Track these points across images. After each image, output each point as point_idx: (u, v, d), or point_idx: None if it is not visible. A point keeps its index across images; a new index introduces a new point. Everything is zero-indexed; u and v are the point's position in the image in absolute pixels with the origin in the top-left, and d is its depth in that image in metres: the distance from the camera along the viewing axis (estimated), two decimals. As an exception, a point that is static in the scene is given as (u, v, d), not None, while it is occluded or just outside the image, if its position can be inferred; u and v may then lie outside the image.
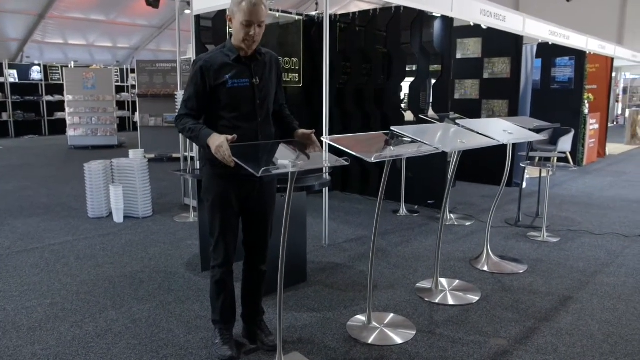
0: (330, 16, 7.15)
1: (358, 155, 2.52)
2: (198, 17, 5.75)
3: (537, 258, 4.34)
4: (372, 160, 2.52)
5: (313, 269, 4.02)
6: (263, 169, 2.06)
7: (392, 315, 3.18)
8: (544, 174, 5.21)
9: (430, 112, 6.62)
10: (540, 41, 7.74)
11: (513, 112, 7.32)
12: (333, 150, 2.64)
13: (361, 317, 3.12)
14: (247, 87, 2.51)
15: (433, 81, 6.37)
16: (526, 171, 7.43)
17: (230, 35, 2.55)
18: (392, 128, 3.25)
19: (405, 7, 5.89)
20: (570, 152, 8.71)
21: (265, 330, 2.85)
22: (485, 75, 7.67)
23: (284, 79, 6.72)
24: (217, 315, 2.74)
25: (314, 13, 7.23)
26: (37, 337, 2.90)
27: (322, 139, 2.84)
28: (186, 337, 2.91)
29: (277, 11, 6.48)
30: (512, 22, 6.74)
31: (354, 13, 6.81)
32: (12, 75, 15.48)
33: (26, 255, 4.35)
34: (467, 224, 5.43)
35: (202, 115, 2.53)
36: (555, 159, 7.97)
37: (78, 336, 2.92)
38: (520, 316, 3.21)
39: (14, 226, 5.26)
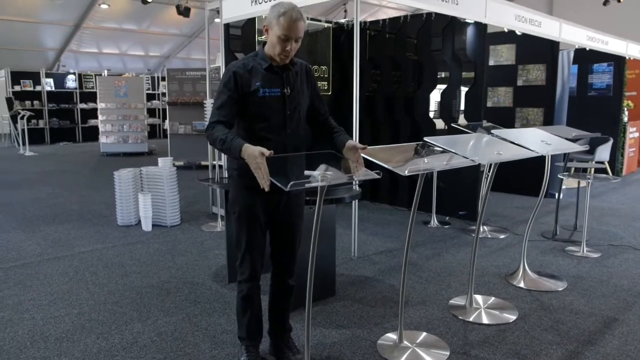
0: (360, 23, 7.07)
1: (392, 169, 2.42)
2: (227, 26, 5.75)
3: (577, 275, 4.13)
4: (406, 174, 2.41)
5: (342, 282, 3.92)
6: (292, 183, 1.98)
7: (424, 334, 3.04)
8: (582, 185, 4.99)
9: (461, 121, 6.45)
10: (577, 47, 7.48)
11: (548, 120, 7.08)
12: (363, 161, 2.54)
13: (392, 336, 2.99)
14: (277, 97, 2.43)
15: (465, 89, 6.20)
16: (563, 181, 7.17)
17: (262, 43, 2.48)
18: (425, 139, 3.14)
19: (436, 14, 5.77)
20: (608, 162, 8.36)
21: (293, 348, 2.76)
22: (519, 83, 7.45)
23: (313, 87, 6.66)
24: (243, 331, 2.66)
25: (343, 20, 7.16)
26: (63, 349, 2.88)
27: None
28: (212, 353, 2.84)
29: (307, 19, 6.44)
30: (547, 27, 6.53)
31: (384, 20, 6.71)
32: (48, 84, 15.94)
33: (56, 262, 4.38)
34: (501, 236, 5.24)
35: (234, 124, 2.44)
36: (593, 169, 7.67)
37: (104, 348, 2.89)
38: (562, 338, 3.03)
39: (46, 233, 5.33)
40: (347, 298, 3.63)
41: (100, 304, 3.52)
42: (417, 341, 2.95)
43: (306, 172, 2.34)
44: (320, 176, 2.17)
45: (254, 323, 2.65)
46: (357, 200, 4.46)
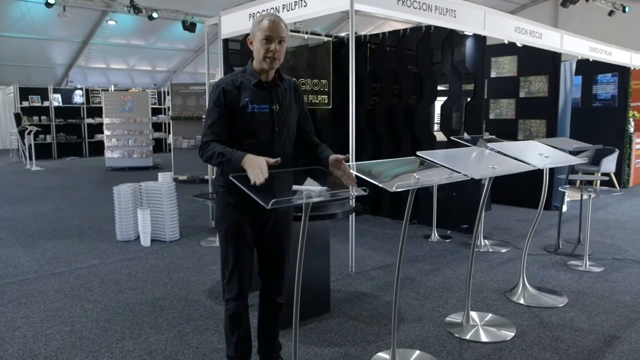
0: (360, 37, 7.08)
1: (379, 185, 2.38)
2: (226, 41, 5.79)
3: (578, 290, 4.04)
4: (393, 189, 2.37)
5: (338, 298, 3.86)
6: (273, 200, 1.95)
7: (417, 352, 2.98)
8: (586, 197, 4.91)
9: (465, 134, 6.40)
10: (580, 58, 7.43)
11: (551, 132, 7.01)
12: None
13: (384, 355, 2.93)
14: (266, 113, 2.41)
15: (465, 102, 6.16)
16: (567, 194, 7.08)
17: (251, 59, 2.46)
18: (419, 153, 3.11)
19: (435, 27, 5.76)
20: (614, 173, 8.26)
21: (282, 367, 2.70)
22: (522, 94, 7.40)
23: (313, 101, 6.66)
24: (231, 350, 2.61)
25: (343, 34, 7.17)
26: (52, 368, 2.85)
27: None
28: (201, 372, 2.79)
29: (306, 33, 6.45)
30: (549, 39, 6.50)
31: (384, 33, 6.71)
32: (56, 100, 16.12)
33: (52, 279, 4.37)
34: (502, 250, 5.16)
35: (228, 141, 2.40)
36: (599, 181, 7.55)
37: (92, 368, 2.86)
38: (560, 357, 2.95)
39: (45, 248, 5.33)
40: (342, 315, 3.57)
41: (92, 321, 3.49)
42: (410, 360, 2.89)
43: (291, 190, 2.31)
44: (305, 194, 2.14)
45: (242, 342, 2.60)
46: (354, 215, 4.42)
